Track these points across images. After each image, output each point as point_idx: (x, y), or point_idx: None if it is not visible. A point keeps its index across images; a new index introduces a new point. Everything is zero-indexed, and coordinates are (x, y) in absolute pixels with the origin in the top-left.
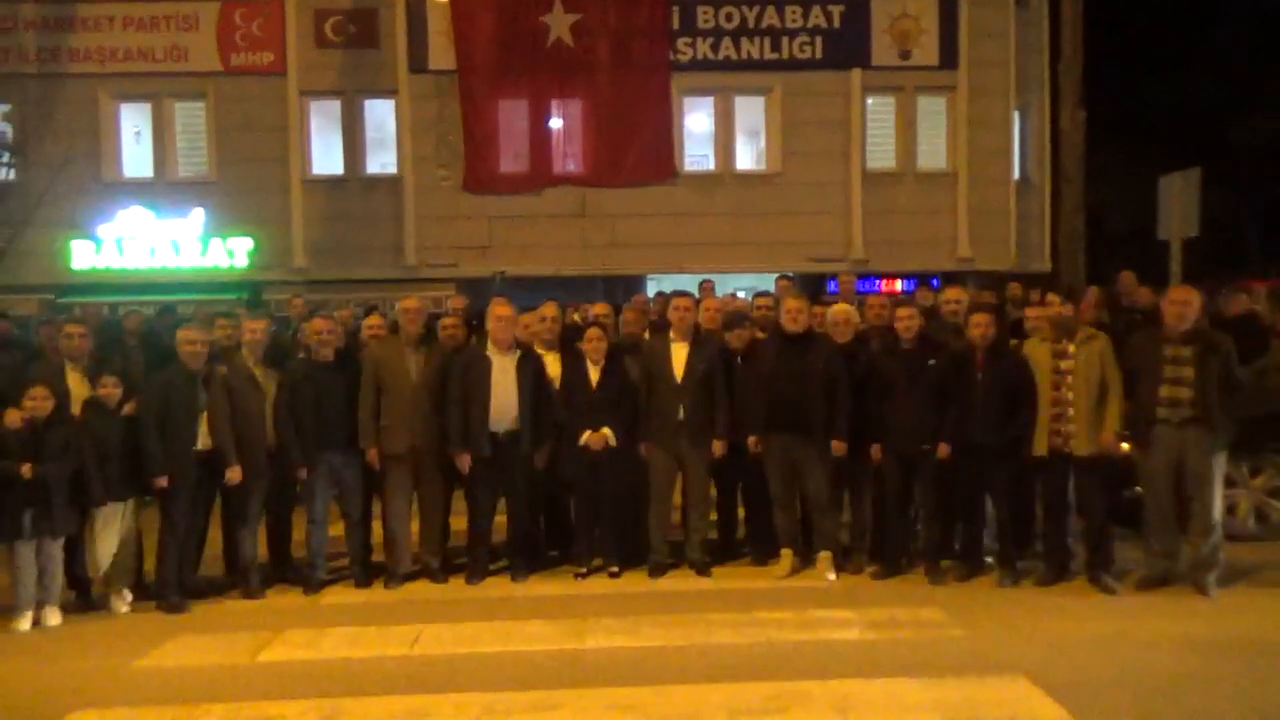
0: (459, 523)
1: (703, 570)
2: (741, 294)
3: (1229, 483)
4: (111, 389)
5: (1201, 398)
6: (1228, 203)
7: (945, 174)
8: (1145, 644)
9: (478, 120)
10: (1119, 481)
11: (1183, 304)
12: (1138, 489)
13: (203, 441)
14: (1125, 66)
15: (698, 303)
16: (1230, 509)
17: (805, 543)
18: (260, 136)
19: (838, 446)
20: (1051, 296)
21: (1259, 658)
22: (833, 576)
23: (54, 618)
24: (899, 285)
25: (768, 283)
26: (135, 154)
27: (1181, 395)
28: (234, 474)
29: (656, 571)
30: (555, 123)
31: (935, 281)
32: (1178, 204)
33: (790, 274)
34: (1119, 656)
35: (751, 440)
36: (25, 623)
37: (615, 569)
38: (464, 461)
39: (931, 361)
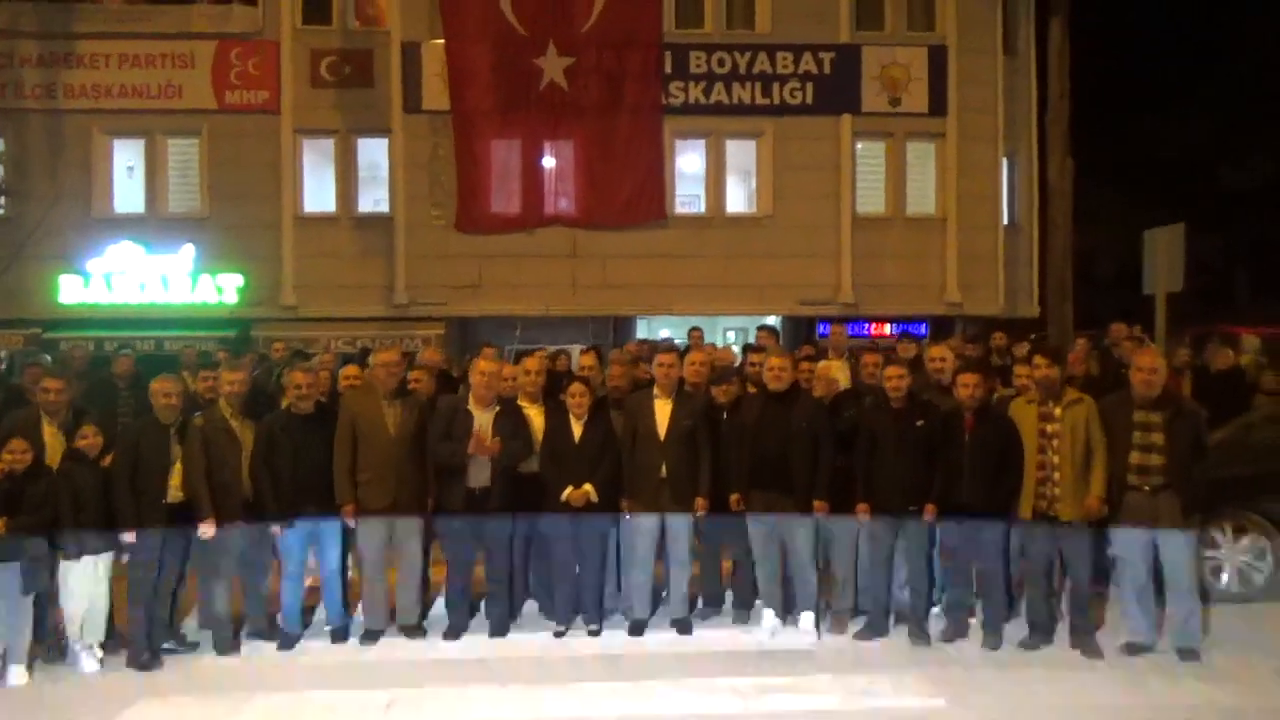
0: (438, 574)
1: (684, 629)
2: (731, 334)
3: (1212, 544)
4: (92, 439)
5: (1173, 464)
6: (1216, 247)
7: (934, 219)
8: (1133, 715)
9: (471, 160)
10: (1103, 540)
11: (1150, 371)
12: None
13: (173, 494)
14: (1115, 110)
15: (682, 356)
16: (1214, 571)
17: (788, 600)
18: (253, 173)
19: (819, 506)
20: (1039, 359)
21: None
22: (814, 637)
23: (20, 677)
24: (887, 329)
25: (758, 324)
26: (127, 189)
27: (1152, 462)
28: (207, 528)
29: (637, 630)
30: (548, 163)
31: (924, 327)
32: (1162, 258)
33: (773, 324)
34: None
35: (733, 498)
36: None
37: (595, 627)
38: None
39: (920, 422)
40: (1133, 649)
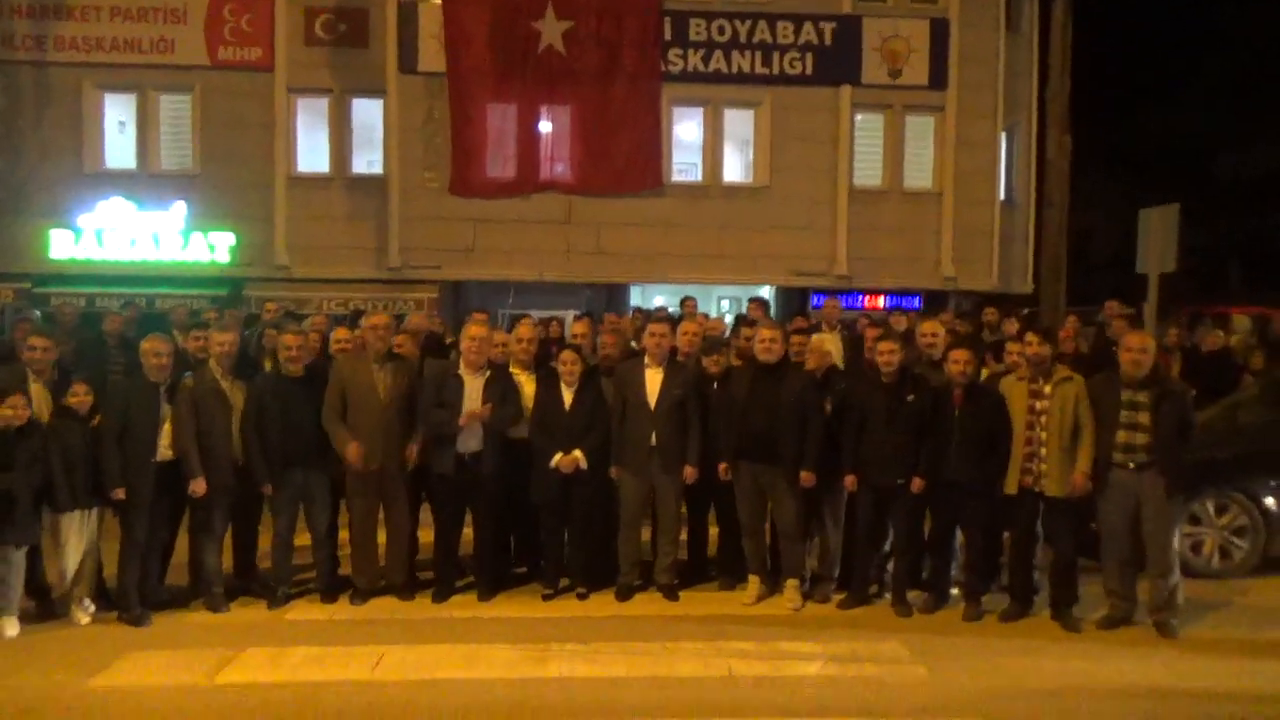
0: (427, 535)
1: (670, 594)
2: (725, 303)
3: (1195, 521)
4: (83, 397)
5: (1158, 443)
6: (1211, 234)
7: (931, 193)
8: (1106, 688)
9: (466, 124)
10: (1086, 514)
11: (1139, 352)
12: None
13: (163, 453)
14: (1115, 93)
15: (674, 326)
16: (1195, 547)
17: (774, 569)
18: (245, 132)
19: (806, 478)
20: (1031, 336)
21: (1213, 704)
22: (799, 604)
23: (11, 628)
24: (881, 302)
25: (752, 294)
26: (118, 145)
27: (1137, 440)
28: (197, 486)
29: (624, 594)
30: (544, 128)
31: (917, 301)
32: (1156, 239)
33: (764, 296)
34: (1079, 702)
35: (721, 467)
36: None
37: (583, 590)
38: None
39: (910, 397)
40: (1111, 622)
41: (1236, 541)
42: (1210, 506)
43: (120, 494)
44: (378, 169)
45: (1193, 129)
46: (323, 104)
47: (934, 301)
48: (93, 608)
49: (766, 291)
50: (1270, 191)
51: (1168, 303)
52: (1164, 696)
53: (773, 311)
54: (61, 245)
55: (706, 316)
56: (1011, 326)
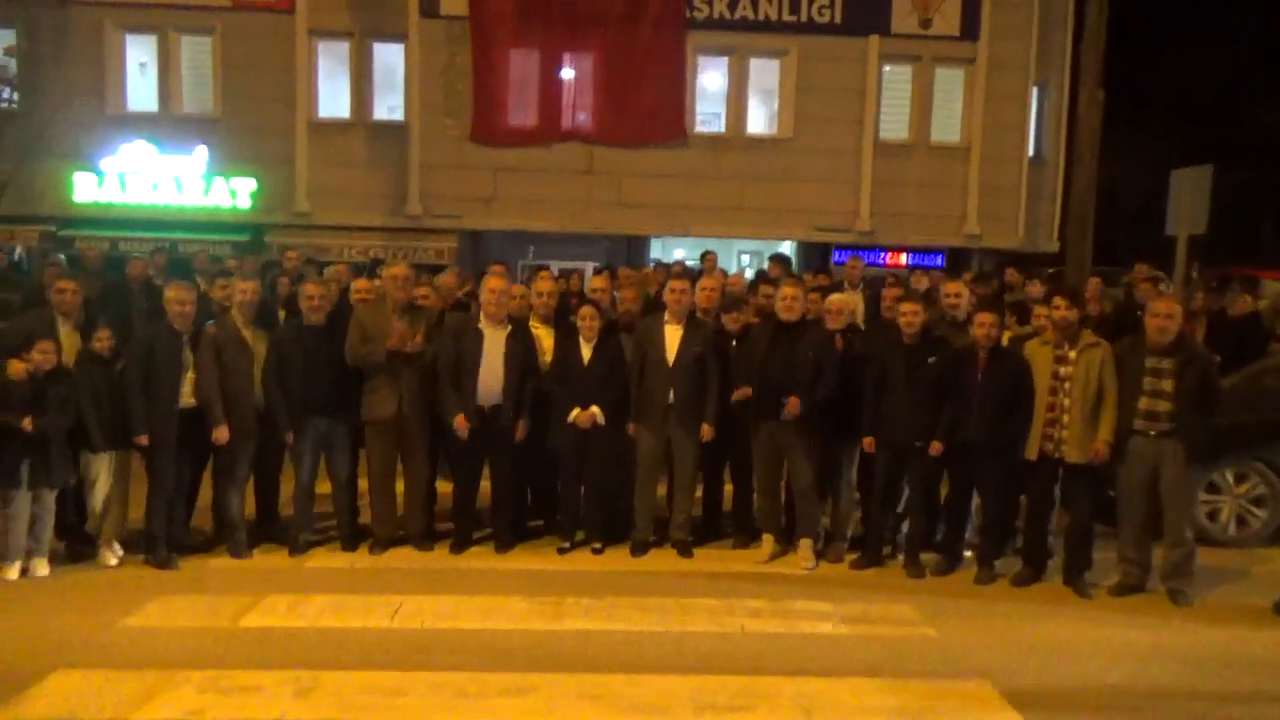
0: (446, 487)
1: (685, 551)
2: (746, 258)
3: (1213, 489)
4: (106, 341)
5: (1180, 411)
6: (1243, 189)
7: (958, 148)
8: (1114, 653)
9: (488, 70)
10: (1104, 480)
11: (1165, 317)
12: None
13: (186, 400)
14: (1149, 40)
15: (694, 282)
16: (1212, 515)
17: (788, 528)
18: (266, 75)
19: (792, 403)
20: (1058, 300)
21: (1224, 671)
22: (812, 564)
23: (42, 569)
24: (904, 259)
25: (774, 249)
26: (140, 87)
27: (1160, 408)
28: (220, 434)
29: (639, 549)
30: (566, 76)
31: (940, 259)
32: (1187, 200)
33: (785, 253)
34: (1086, 666)
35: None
36: (13, 572)
37: (598, 545)
38: (461, 424)
39: (932, 359)
40: (1124, 589)
41: (1254, 510)
42: (1229, 475)
43: (144, 440)
44: (399, 115)
45: (1228, 77)
46: (344, 48)
47: (957, 259)
48: (121, 550)
49: (788, 247)
50: None
51: (1201, 261)
52: (1174, 663)
53: (796, 266)
54: (85, 188)
55: (725, 273)
56: (1036, 289)
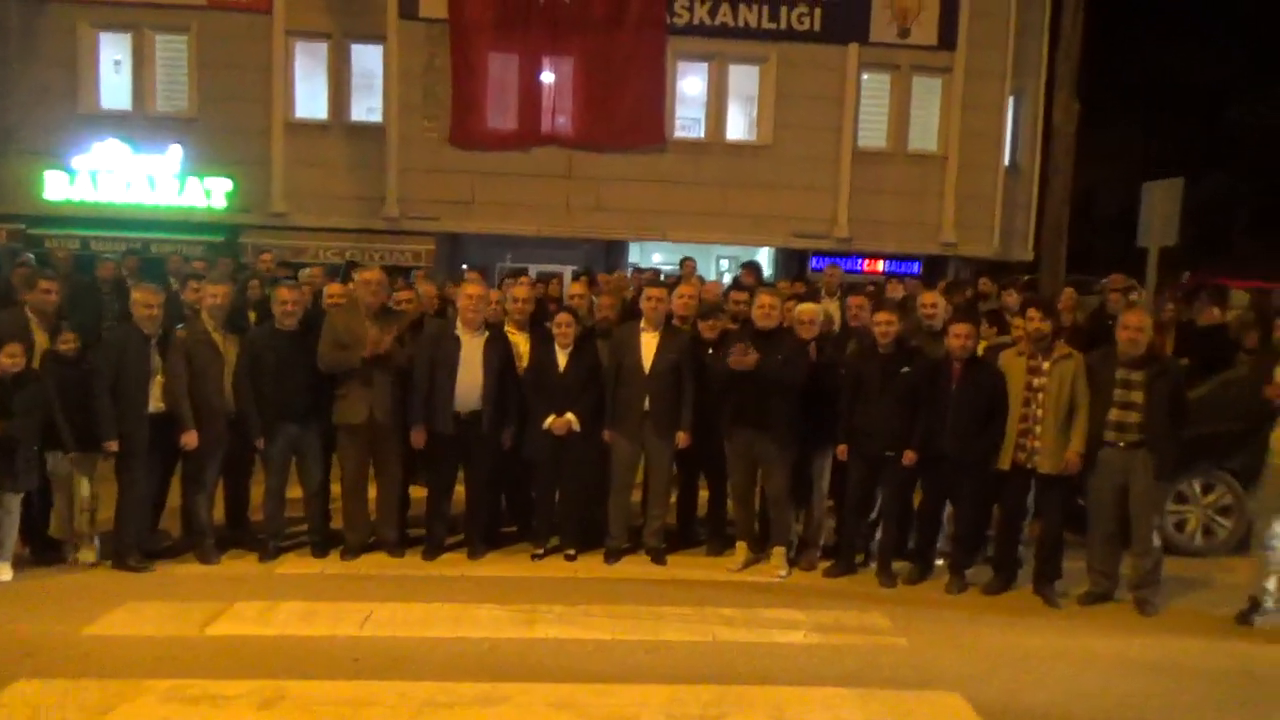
0: (418, 492)
1: (658, 558)
2: (725, 263)
3: (1180, 499)
4: (71, 344)
5: (1149, 423)
6: (1219, 192)
7: (935, 156)
8: (1081, 663)
9: (467, 73)
10: (1074, 488)
11: (1136, 330)
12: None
13: (155, 404)
14: (1124, 50)
15: (671, 289)
16: (1179, 525)
17: (761, 535)
18: (243, 75)
19: (742, 357)
20: (1032, 311)
21: (1189, 681)
22: (784, 572)
23: (5, 573)
24: (881, 266)
25: (752, 255)
26: (114, 85)
27: (1130, 419)
28: (189, 439)
29: (612, 556)
30: (546, 80)
31: (916, 266)
32: (1158, 212)
33: (756, 261)
34: (1054, 676)
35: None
36: None
37: (572, 552)
38: (419, 437)
39: (905, 369)
40: (1092, 598)
41: (1220, 520)
42: (1196, 485)
43: (113, 445)
44: (377, 117)
45: (1202, 85)
46: (322, 48)
47: (934, 267)
48: (93, 554)
49: (765, 253)
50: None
51: (1168, 270)
52: (1141, 673)
53: (773, 273)
54: (56, 187)
55: (702, 280)
56: (1013, 298)
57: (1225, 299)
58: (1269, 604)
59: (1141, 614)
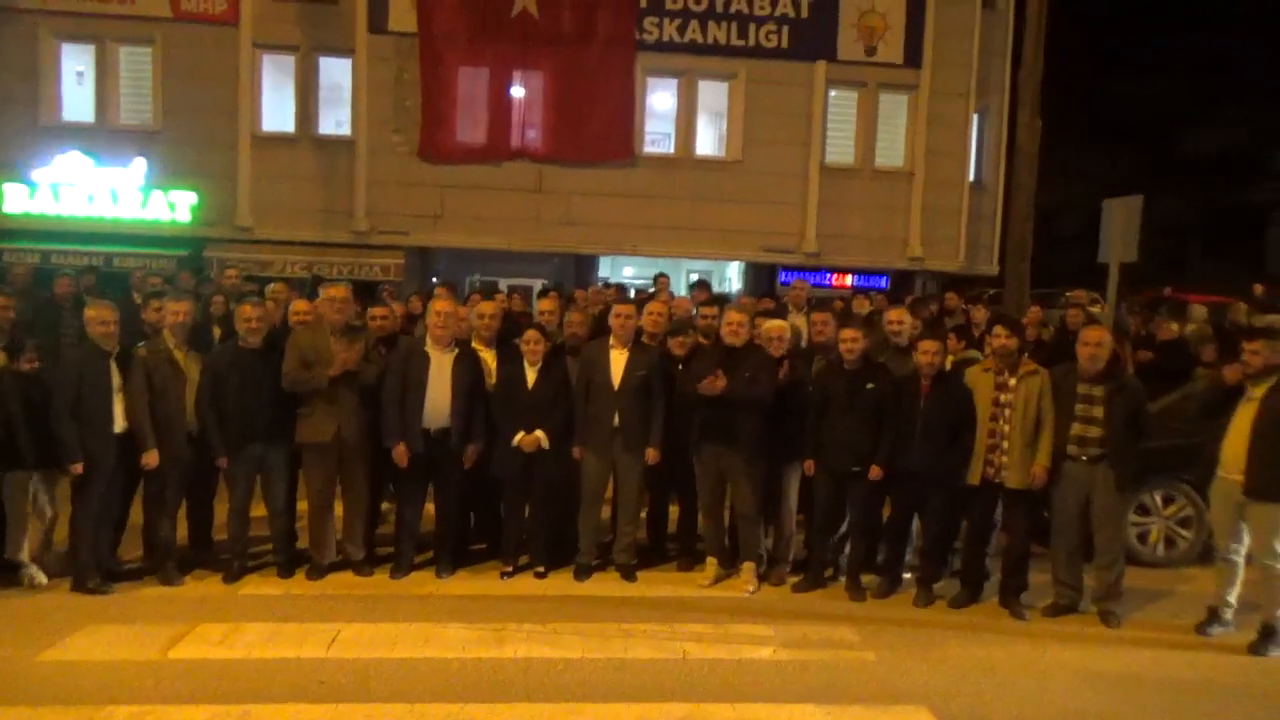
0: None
1: (628, 575)
2: (695, 277)
3: (1142, 510)
4: (33, 363)
5: (1110, 438)
6: (1175, 210)
7: (902, 172)
8: (1045, 674)
9: (437, 87)
10: (1039, 501)
11: (1095, 345)
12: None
13: (119, 424)
14: (1089, 67)
15: (640, 306)
16: (1141, 537)
17: (731, 551)
18: (209, 87)
19: (712, 382)
20: (999, 329)
21: (1151, 692)
22: (753, 587)
23: None
24: (849, 280)
25: (723, 270)
26: (76, 97)
27: (1091, 434)
28: (150, 458)
29: (582, 574)
30: (516, 94)
31: (884, 281)
32: (1119, 229)
33: (704, 278)
34: (1021, 688)
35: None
36: None
37: (541, 569)
38: (401, 454)
39: (870, 385)
40: (1057, 610)
41: (1182, 532)
42: (1158, 497)
43: (79, 469)
44: (345, 130)
45: (1162, 104)
46: (289, 61)
47: (901, 281)
48: (45, 580)
49: (735, 267)
50: (1233, 167)
51: (1129, 285)
52: (1104, 683)
53: (742, 287)
54: (16, 199)
55: (673, 296)
56: (981, 313)
57: (1184, 312)
58: (1228, 615)
59: (1105, 625)
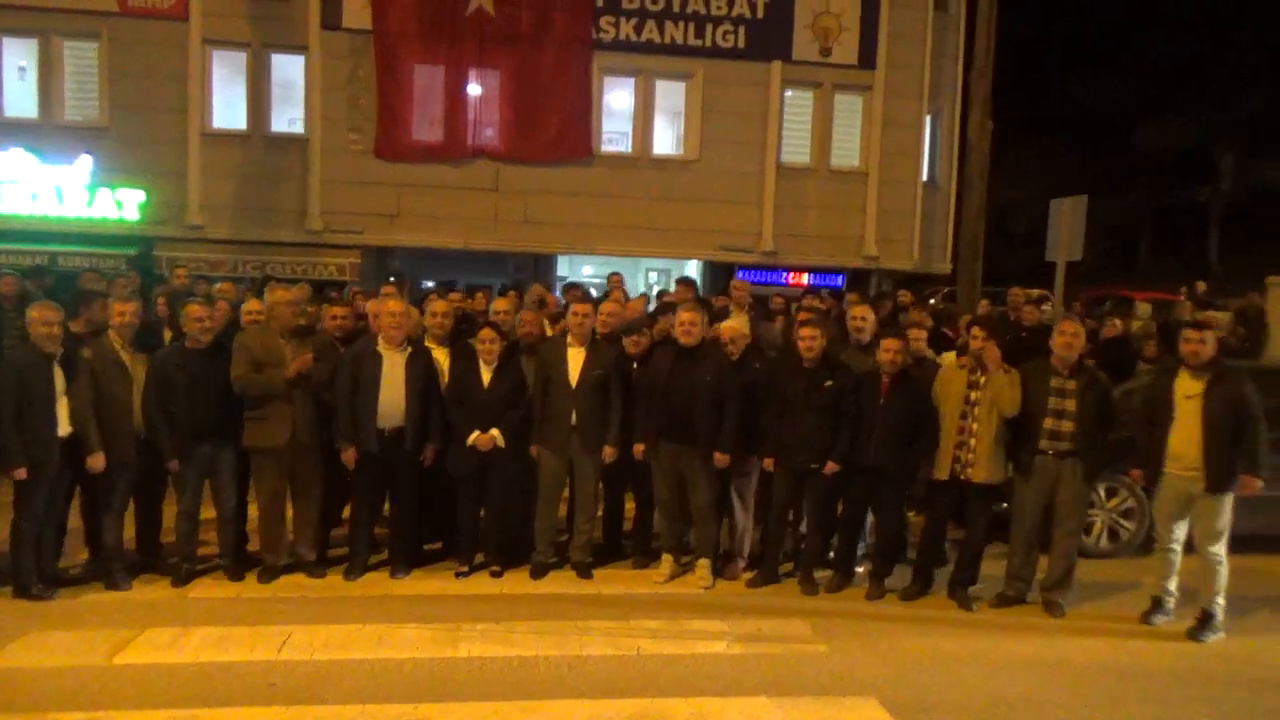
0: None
1: (584, 573)
2: (654, 275)
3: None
4: None
5: (1081, 432)
6: (1124, 209)
7: (857, 172)
8: (994, 665)
9: (392, 85)
10: (995, 496)
11: (1072, 335)
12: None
13: (64, 427)
14: (1039, 68)
15: (596, 305)
16: (1085, 528)
17: (686, 548)
18: (157, 84)
19: (720, 459)
20: (976, 330)
21: (1095, 680)
22: (709, 583)
23: None
24: (805, 279)
25: (680, 268)
26: (19, 92)
27: (1063, 428)
28: (95, 461)
29: (538, 572)
30: (472, 93)
31: (840, 280)
32: (1065, 228)
33: (691, 276)
34: (967, 678)
35: (637, 448)
36: None
37: (497, 568)
38: (350, 456)
39: (829, 383)
40: (1004, 600)
41: (1124, 523)
42: (1101, 489)
43: (22, 474)
44: (299, 128)
45: (1111, 105)
46: (240, 58)
47: (857, 280)
48: None
49: (693, 265)
50: (1180, 166)
51: (1077, 280)
52: (1049, 672)
53: (700, 287)
54: None
55: (626, 296)
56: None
57: (1131, 310)
58: (1170, 604)
59: (1050, 615)
